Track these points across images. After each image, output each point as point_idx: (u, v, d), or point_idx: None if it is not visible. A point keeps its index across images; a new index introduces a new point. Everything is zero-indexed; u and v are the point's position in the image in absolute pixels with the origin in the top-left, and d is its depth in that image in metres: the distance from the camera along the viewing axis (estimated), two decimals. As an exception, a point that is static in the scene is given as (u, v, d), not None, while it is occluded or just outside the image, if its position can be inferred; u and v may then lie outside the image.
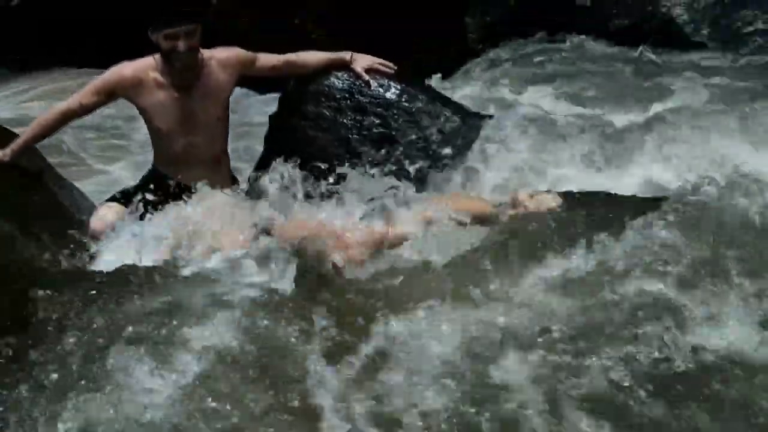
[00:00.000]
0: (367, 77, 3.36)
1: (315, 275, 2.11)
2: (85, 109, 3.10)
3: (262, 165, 3.65)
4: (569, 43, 5.81)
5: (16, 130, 3.58)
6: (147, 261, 2.41)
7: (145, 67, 3.07)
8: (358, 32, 6.62)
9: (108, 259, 2.48)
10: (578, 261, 1.86)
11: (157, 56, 3.06)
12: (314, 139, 3.44)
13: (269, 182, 2.70)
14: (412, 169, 3.17)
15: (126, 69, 3.08)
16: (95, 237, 2.82)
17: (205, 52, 3.11)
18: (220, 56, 3.16)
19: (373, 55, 3.43)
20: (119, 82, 3.05)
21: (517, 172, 3.05)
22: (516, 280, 1.87)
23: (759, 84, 4.76)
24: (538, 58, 5.58)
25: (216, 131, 3.24)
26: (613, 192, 2.57)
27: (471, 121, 3.38)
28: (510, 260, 1.93)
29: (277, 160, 2.83)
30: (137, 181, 3.34)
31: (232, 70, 3.19)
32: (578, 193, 2.38)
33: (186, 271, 2.18)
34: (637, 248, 1.85)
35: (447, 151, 3.29)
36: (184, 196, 2.78)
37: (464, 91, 5.20)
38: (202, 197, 2.73)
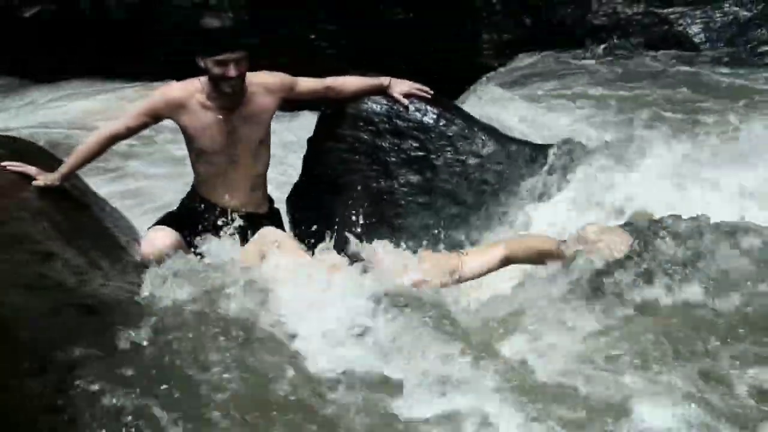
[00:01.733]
0: (405, 102, 3.43)
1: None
2: (130, 131, 3.15)
3: (299, 189, 3.73)
4: (588, 61, 5.87)
5: (40, 143, 3.62)
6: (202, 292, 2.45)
7: (191, 89, 3.13)
8: (372, 50, 6.79)
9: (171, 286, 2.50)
10: (657, 293, 1.91)
11: (203, 79, 3.12)
12: (352, 162, 3.51)
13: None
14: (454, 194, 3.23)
15: (173, 90, 3.15)
16: (147, 261, 2.87)
17: (249, 76, 3.16)
18: (264, 80, 3.22)
19: (390, 74, 3.50)
20: (167, 103, 3.12)
21: (572, 204, 3.09)
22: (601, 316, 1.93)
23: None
24: (558, 75, 5.62)
25: (257, 154, 3.29)
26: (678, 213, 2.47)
27: (510, 147, 3.44)
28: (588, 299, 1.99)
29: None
30: (179, 203, 3.39)
31: (276, 95, 3.25)
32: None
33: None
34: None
35: (486, 176, 3.35)
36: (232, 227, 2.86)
37: (484, 110, 5.22)
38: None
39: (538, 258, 2.49)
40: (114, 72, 8.08)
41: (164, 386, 1.65)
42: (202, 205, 3.27)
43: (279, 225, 3.36)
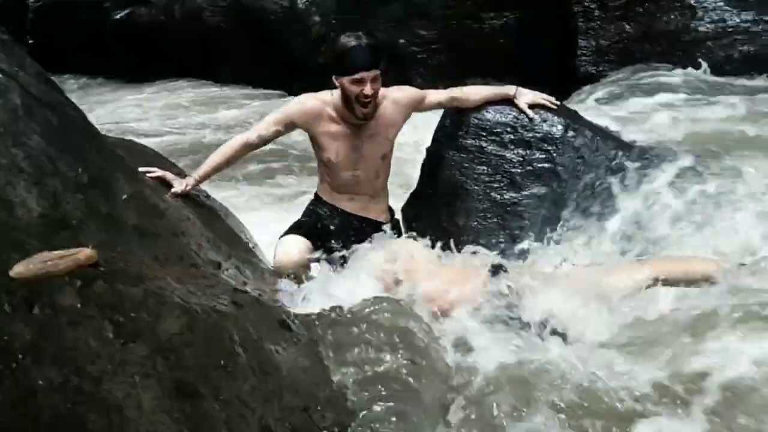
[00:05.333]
0: (531, 113, 3.37)
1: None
2: (263, 140, 3.20)
3: (417, 199, 3.70)
4: (688, 71, 5.69)
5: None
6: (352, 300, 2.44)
7: (324, 101, 3.18)
8: (469, 56, 6.76)
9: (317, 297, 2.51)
10: None
11: (336, 92, 3.15)
12: (474, 172, 3.46)
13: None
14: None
15: (309, 101, 3.20)
16: (282, 271, 2.89)
17: (381, 91, 3.17)
18: (394, 96, 3.23)
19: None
20: (302, 113, 3.17)
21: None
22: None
23: None
24: (659, 86, 5.47)
25: (380, 168, 3.31)
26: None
27: (641, 157, 3.33)
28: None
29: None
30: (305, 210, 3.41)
31: (405, 109, 3.26)
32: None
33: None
34: None
35: (614, 189, 3.26)
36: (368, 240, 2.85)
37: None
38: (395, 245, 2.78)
39: (699, 279, 2.40)
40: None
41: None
42: (327, 211, 3.30)
43: (398, 235, 3.35)
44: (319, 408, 1.45)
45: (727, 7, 5.83)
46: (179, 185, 2.98)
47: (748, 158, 3.84)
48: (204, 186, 3.35)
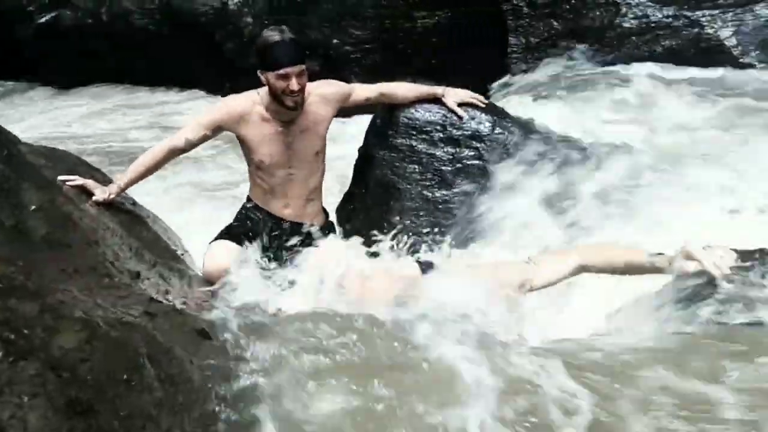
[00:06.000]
0: (460, 111, 3.40)
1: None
2: (190, 145, 3.11)
3: (350, 199, 3.69)
4: (616, 66, 5.84)
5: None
6: (280, 305, 2.41)
7: (251, 101, 3.11)
8: (399, 54, 6.78)
9: (245, 301, 2.46)
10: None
11: (262, 91, 3.10)
12: (406, 171, 3.47)
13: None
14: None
15: (234, 103, 3.13)
16: (211, 277, 2.82)
17: (307, 87, 3.13)
18: (320, 91, 3.19)
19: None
20: (228, 116, 3.09)
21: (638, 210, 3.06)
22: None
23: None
24: (586, 80, 5.59)
25: (314, 165, 3.26)
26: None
27: (565, 151, 3.40)
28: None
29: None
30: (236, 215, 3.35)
31: (332, 104, 3.22)
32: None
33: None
34: None
35: (545, 184, 3.31)
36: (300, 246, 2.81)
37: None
38: (324, 244, 2.75)
39: (625, 269, 2.44)
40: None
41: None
42: (260, 215, 3.25)
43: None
44: (235, 416, 1.42)
45: (650, 3, 5.99)
46: (101, 193, 2.88)
47: (674, 150, 3.97)
48: (131, 191, 3.25)
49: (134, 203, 3.37)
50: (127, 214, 3.05)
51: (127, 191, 3.16)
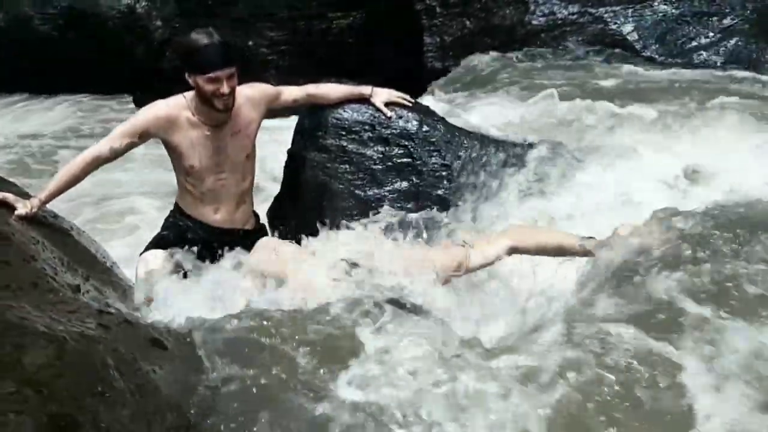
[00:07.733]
0: (388, 111, 3.44)
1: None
2: (115, 153, 3.01)
3: (281, 202, 3.68)
4: (530, 62, 6.04)
5: None
6: (223, 310, 2.39)
7: (177, 106, 3.05)
8: (318, 59, 6.78)
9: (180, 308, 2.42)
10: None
11: (188, 95, 3.05)
12: (337, 171, 3.49)
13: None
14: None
15: (160, 109, 3.04)
16: (145, 288, 2.76)
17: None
18: (247, 93, 3.16)
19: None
20: (155, 121, 3.01)
21: (566, 201, 3.19)
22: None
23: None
24: (505, 76, 5.76)
25: (245, 169, 3.24)
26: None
27: (492, 148, 3.51)
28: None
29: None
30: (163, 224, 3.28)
31: (259, 106, 3.20)
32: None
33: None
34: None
35: (472, 179, 3.41)
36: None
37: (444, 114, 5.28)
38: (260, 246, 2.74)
39: (555, 251, 2.55)
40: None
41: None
42: (190, 224, 3.19)
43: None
44: (201, 424, 1.41)
45: (556, 1, 6.25)
46: (23, 207, 2.77)
47: (595, 141, 4.14)
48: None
49: (55, 216, 3.25)
50: (52, 227, 2.94)
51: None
